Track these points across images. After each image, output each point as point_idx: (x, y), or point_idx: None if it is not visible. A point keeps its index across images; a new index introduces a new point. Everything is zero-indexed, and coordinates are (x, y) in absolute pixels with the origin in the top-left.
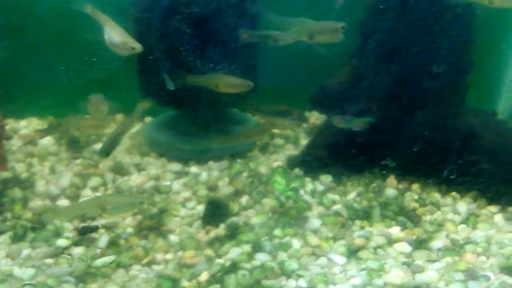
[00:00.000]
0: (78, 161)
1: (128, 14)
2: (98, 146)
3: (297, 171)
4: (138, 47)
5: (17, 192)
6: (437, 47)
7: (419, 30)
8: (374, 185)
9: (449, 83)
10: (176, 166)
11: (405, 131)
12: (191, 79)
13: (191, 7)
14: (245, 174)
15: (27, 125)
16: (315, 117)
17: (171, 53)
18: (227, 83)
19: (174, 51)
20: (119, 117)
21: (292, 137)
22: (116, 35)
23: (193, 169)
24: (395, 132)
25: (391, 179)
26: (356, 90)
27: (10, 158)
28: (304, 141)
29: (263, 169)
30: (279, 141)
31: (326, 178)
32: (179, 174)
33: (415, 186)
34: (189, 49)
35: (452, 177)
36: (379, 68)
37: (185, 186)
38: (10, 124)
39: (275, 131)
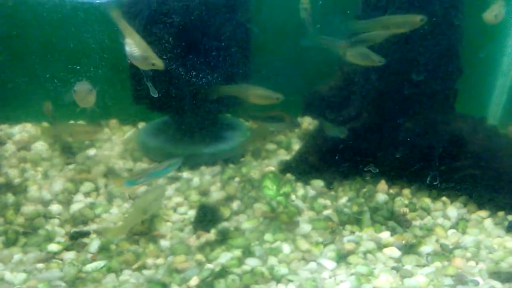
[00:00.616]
0: (71, 166)
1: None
2: (91, 151)
3: (288, 176)
4: (159, 63)
5: (9, 197)
6: (422, 53)
7: (406, 36)
8: (365, 190)
9: (437, 88)
10: None
11: (394, 136)
12: (224, 89)
13: (181, 15)
14: (237, 179)
15: (21, 131)
16: (308, 122)
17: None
18: (257, 94)
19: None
20: (113, 122)
21: (284, 142)
22: (137, 49)
23: (185, 174)
24: (385, 137)
25: (382, 184)
26: (346, 96)
27: (3, 163)
28: (296, 146)
29: (255, 174)
30: (271, 146)
31: (318, 183)
32: (171, 179)
33: (406, 191)
34: (178, 56)
35: (436, 182)
36: (368, 73)
37: (177, 191)
38: (5, 129)
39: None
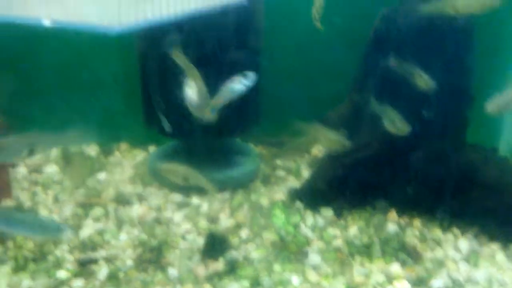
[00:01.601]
0: (81, 190)
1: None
2: (102, 175)
3: (298, 204)
4: (211, 117)
5: None
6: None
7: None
8: (375, 219)
9: (448, 118)
10: (177, 197)
11: (405, 166)
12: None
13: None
14: (246, 206)
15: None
16: (317, 149)
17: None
18: (326, 136)
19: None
20: (124, 146)
21: (294, 169)
22: (196, 96)
23: (195, 200)
24: (395, 167)
25: (392, 214)
26: (355, 125)
27: (15, 186)
28: (306, 173)
29: (264, 201)
30: (281, 172)
31: (327, 212)
32: (180, 205)
33: (417, 222)
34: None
35: (446, 215)
36: (379, 102)
37: (186, 218)
38: None
39: (277, 162)
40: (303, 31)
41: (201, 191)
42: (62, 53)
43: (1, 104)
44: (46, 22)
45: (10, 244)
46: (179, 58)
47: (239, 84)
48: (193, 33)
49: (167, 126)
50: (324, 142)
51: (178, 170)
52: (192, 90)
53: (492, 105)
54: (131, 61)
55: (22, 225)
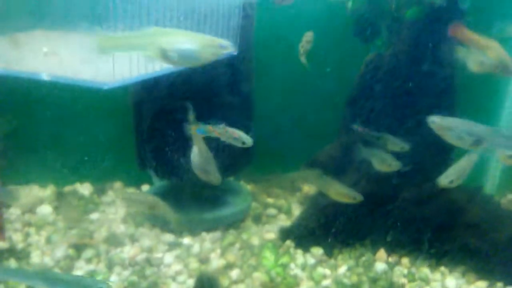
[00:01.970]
0: (74, 231)
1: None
2: (95, 215)
3: (288, 243)
4: (215, 179)
5: (12, 263)
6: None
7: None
8: (364, 258)
9: (433, 161)
10: (169, 237)
11: (392, 205)
12: (300, 177)
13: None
14: (237, 245)
15: (28, 193)
16: (308, 186)
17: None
18: (337, 191)
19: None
20: (117, 185)
21: (285, 207)
22: (200, 161)
23: (186, 240)
24: (384, 206)
25: (381, 253)
26: (344, 166)
27: (8, 227)
28: (296, 211)
29: (255, 241)
30: (272, 211)
31: (317, 251)
32: (171, 246)
33: (405, 260)
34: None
35: (433, 251)
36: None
37: (177, 259)
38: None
39: (269, 200)
40: (292, 73)
41: (193, 231)
42: (61, 98)
43: None
44: (45, 76)
45: (1, 286)
46: (191, 125)
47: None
48: (186, 80)
49: (156, 180)
50: (334, 194)
51: (144, 199)
52: (198, 156)
53: (444, 179)
54: (126, 106)
55: (63, 284)
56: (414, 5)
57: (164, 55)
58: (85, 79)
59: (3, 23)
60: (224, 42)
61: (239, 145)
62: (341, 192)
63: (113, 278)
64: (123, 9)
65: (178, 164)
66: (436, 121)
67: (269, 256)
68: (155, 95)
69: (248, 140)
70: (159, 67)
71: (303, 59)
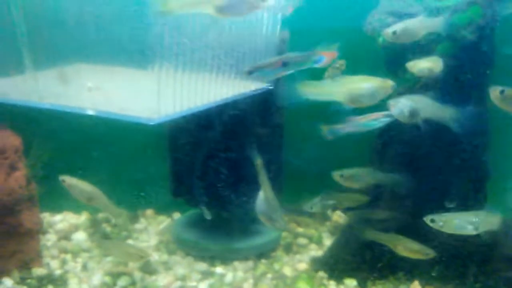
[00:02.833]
0: (109, 258)
1: None
2: (130, 242)
3: (321, 274)
4: (280, 225)
5: None
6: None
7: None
8: None
9: (467, 192)
10: (202, 266)
11: (427, 237)
12: (372, 234)
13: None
14: (269, 275)
15: (62, 219)
16: (338, 215)
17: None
18: (407, 247)
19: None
20: (149, 212)
21: (315, 237)
22: (266, 207)
23: (219, 269)
24: (419, 238)
25: (416, 285)
26: (375, 196)
27: (45, 253)
28: (327, 241)
29: (287, 271)
30: (302, 240)
31: (351, 282)
32: (204, 275)
33: None
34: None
35: (478, 286)
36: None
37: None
38: (46, 218)
39: (299, 230)
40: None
41: (225, 260)
42: (95, 128)
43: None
44: (90, 112)
45: None
46: (259, 170)
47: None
48: (220, 112)
49: (207, 214)
50: (403, 251)
51: (84, 189)
52: (264, 203)
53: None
54: (159, 137)
55: None
56: (445, 40)
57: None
58: (131, 115)
59: (50, 57)
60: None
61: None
62: (413, 249)
63: None
64: (168, 48)
65: (230, 200)
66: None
67: (304, 287)
68: (190, 127)
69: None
70: (200, 103)
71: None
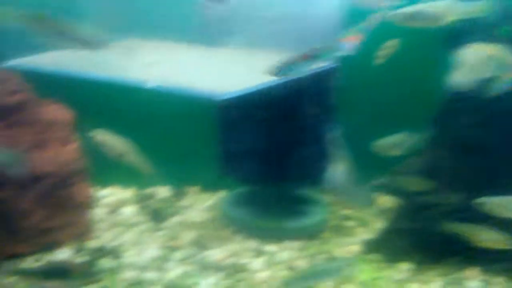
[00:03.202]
0: (160, 233)
1: None
2: (177, 218)
3: (372, 256)
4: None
5: (105, 263)
6: None
7: None
8: (455, 275)
9: None
10: (252, 244)
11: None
12: (451, 226)
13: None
14: (321, 256)
15: (110, 194)
16: (384, 199)
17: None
18: (491, 238)
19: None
20: (195, 189)
21: (362, 219)
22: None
23: (270, 247)
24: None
25: (475, 270)
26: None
27: (96, 226)
28: (375, 224)
29: (338, 252)
30: (350, 223)
31: (405, 266)
32: (256, 252)
33: (499, 279)
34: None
35: None
36: None
37: (265, 265)
38: (94, 192)
39: (346, 212)
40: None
41: (275, 239)
42: (146, 103)
43: None
44: (151, 84)
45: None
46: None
47: None
48: (282, 95)
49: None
50: (485, 242)
51: (115, 145)
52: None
53: None
54: (208, 114)
55: None
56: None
57: None
58: (197, 90)
59: (119, 31)
60: None
61: None
62: (497, 240)
63: (210, 280)
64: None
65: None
66: None
67: (362, 269)
68: (244, 105)
69: None
70: (261, 80)
71: (379, 60)
